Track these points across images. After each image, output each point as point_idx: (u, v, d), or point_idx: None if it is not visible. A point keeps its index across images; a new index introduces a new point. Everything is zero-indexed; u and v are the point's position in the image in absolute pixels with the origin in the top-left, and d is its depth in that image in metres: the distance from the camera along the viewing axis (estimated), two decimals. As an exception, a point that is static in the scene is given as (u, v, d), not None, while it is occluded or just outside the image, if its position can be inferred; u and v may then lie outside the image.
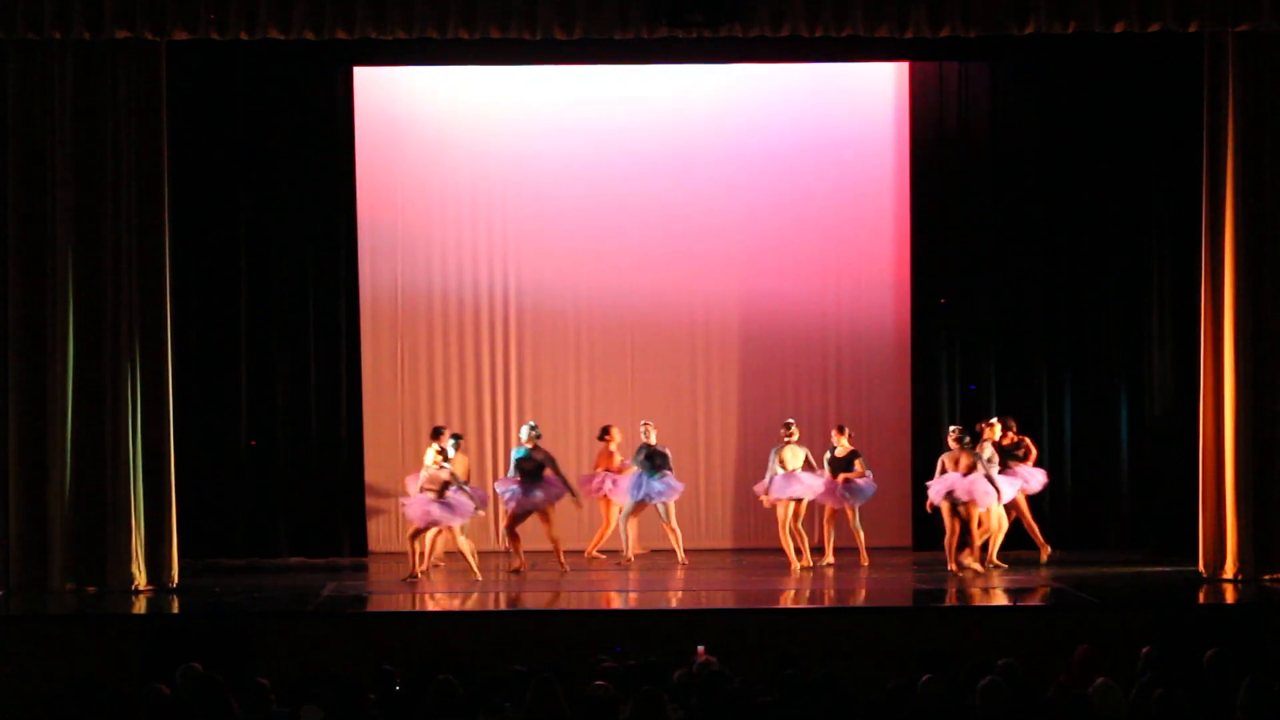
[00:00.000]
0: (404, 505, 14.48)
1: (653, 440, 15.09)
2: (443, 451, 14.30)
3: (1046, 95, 16.00)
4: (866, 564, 14.89)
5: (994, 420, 14.86)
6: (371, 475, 16.15)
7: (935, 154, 16.18)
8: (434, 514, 14.08)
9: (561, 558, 14.67)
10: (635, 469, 15.10)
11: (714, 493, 16.31)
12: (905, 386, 16.31)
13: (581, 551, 15.37)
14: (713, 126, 16.40)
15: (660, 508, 15.07)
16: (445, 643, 11.46)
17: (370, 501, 16.19)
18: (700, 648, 9.89)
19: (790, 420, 15.07)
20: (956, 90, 16.16)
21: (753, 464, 16.35)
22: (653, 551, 15.61)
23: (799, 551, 14.81)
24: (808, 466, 14.86)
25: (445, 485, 14.09)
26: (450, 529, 14.30)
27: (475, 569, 14.38)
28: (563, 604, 13.66)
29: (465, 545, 14.42)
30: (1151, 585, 14.19)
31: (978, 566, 14.29)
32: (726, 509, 16.42)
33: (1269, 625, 12.00)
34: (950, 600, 13.46)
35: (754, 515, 16.35)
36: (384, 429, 16.28)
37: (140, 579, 13.67)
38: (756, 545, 16.15)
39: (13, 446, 13.67)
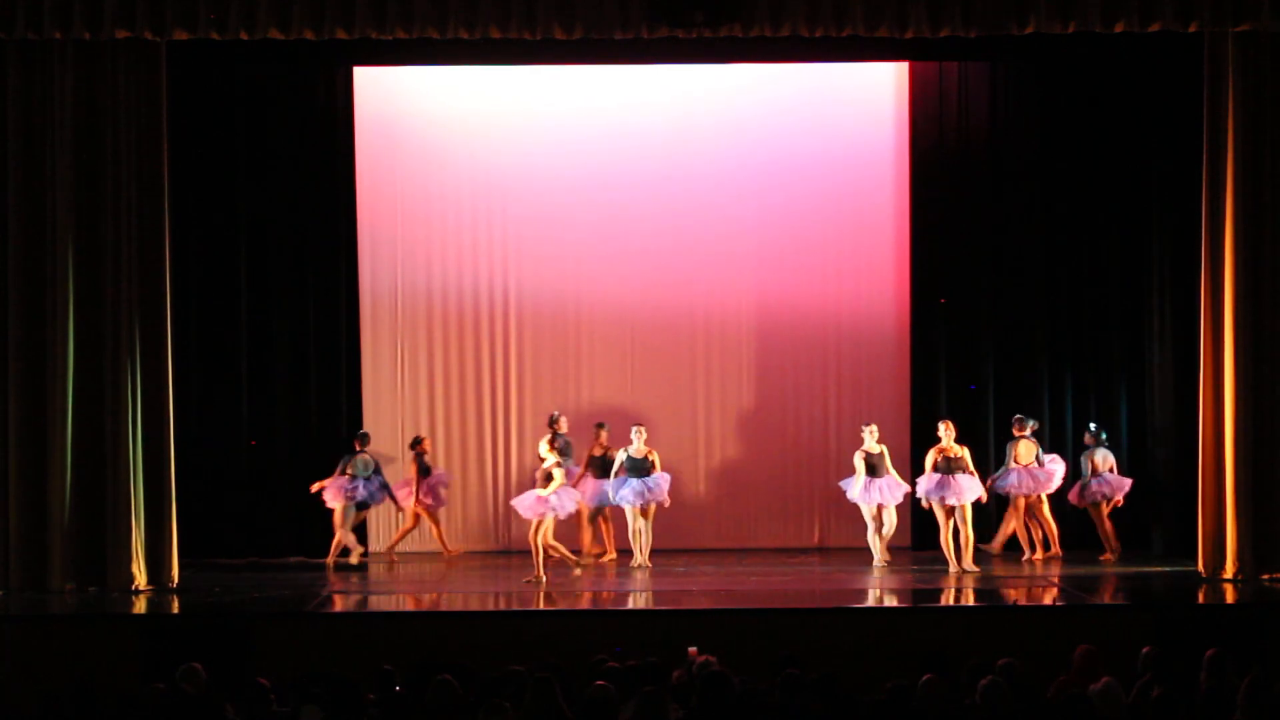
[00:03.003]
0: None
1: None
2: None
3: (1046, 95, 16.00)
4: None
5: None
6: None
7: (935, 154, 16.19)
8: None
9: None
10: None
11: (712, 492, 16.29)
12: (905, 386, 16.31)
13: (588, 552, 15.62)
14: (713, 127, 16.39)
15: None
16: (445, 643, 11.46)
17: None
18: (692, 648, 9.86)
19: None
20: (956, 90, 16.17)
21: (752, 463, 16.38)
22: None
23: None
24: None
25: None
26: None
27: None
28: (563, 604, 13.65)
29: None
30: (1151, 585, 14.21)
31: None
32: (726, 509, 16.40)
33: (1269, 625, 12.00)
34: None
35: (754, 515, 16.37)
36: (384, 429, 16.26)
37: (140, 579, 13.67)
38: (757, 545, 16.15)
39: (13, 446, 13.68)
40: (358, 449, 15.43)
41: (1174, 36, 13.75)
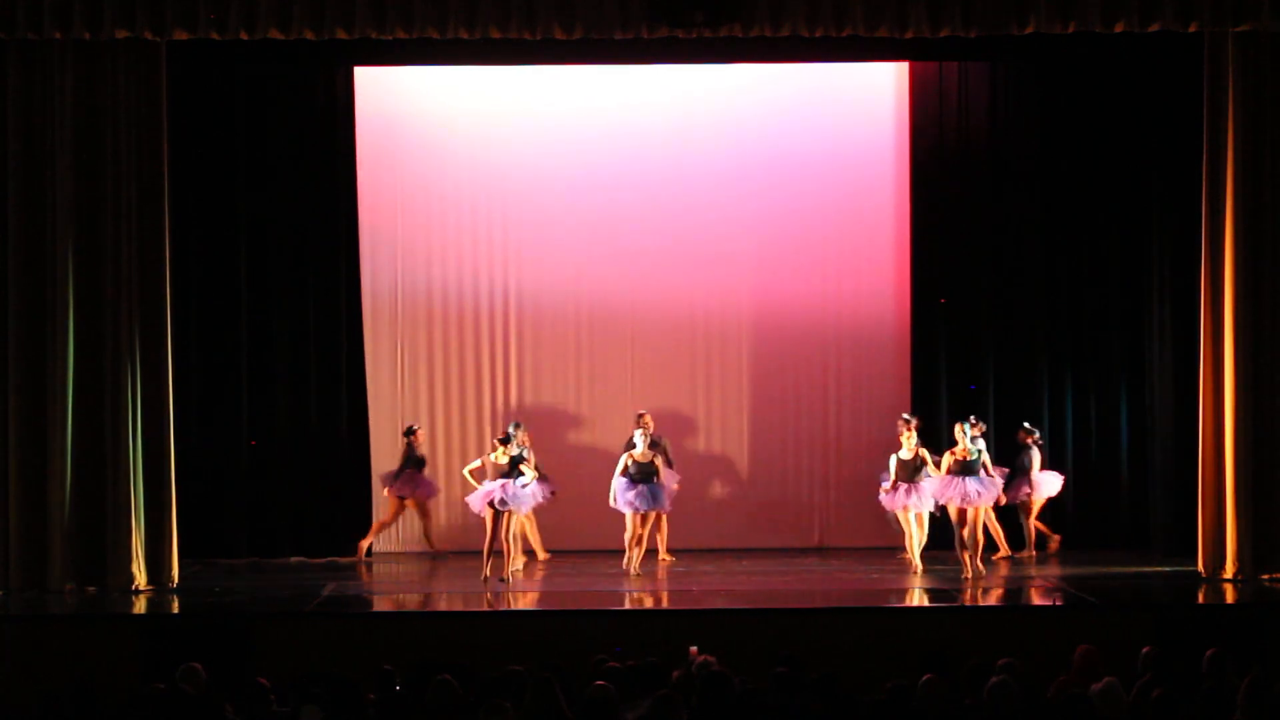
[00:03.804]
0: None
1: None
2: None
3: (1046, 95, 16.01)
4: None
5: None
6: (374, 474, 16.14)
7: (935, 154, 16.19)
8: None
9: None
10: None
11: (713, 492, 16.29)
12: (905, 386, 16.30)
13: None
14: (713, 127, 16.39)
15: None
16: (445, 643, 11.46)
17: (373, 501, 16.18)
18: (693, 648, 9.87)
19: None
20: (956, 90, 16.17)
21: (752, 463, 16.38)
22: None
23: None
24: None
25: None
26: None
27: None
28: (563, 604, 13.66)
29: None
30: (1151, 585, 14.22)
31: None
32: (726, 508, 16.40)
33: (1269, 625, 12.00)
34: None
35: (754, 515, 16.35)
36: (384, 428, 16.26)
37: (140, 579, 13.68)
38: (757, 545, 16.14)
39: (13, 446, 13.68)
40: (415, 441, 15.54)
41: (1174, 36, 13.76)
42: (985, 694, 8.06)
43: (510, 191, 16.37)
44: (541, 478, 14.68)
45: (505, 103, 16.36)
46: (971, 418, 14.87)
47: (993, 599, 13.55)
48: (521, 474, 14.23)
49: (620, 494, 14.55)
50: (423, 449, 15.78)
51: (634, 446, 14.58)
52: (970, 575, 14.04)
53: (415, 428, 15.80)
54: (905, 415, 14.77)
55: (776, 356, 16.48)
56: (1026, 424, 15.36)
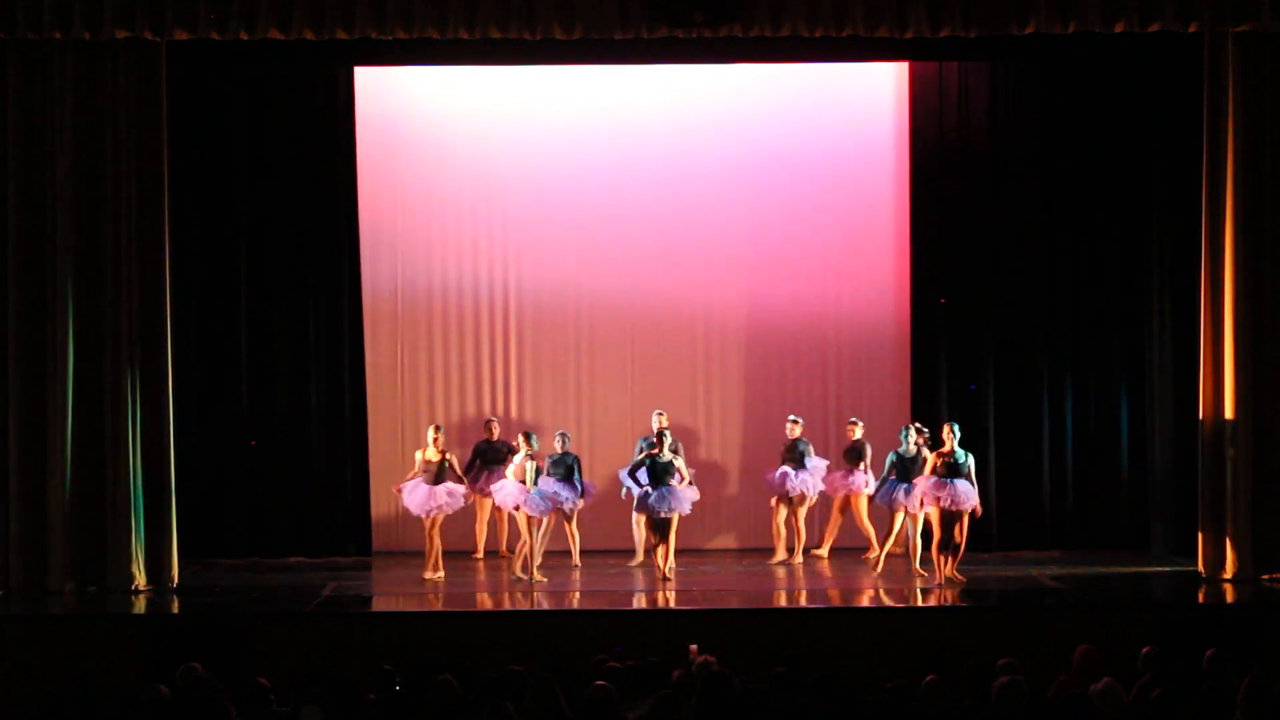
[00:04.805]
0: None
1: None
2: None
3: (1046, 95, 16.00)
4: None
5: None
6: (373, 474, 16.14)
7: (935, 154, 16.17)
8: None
9: None
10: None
11: (714, 493, 16.27)
12: (905, 386, 16.30)
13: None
14: (713, 127, 16.38)
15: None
16: (445, 643, 11.47)
17: (372, 501, 16.18)
18: (693, 646, 9.87)
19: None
20: (956, 90, 16.15)
21: (753, 464, 16.36)
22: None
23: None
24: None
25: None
26: None
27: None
28: (563, 604, 13.66)
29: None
30: (1151, 585, 14.21)
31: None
32: (726, 509, 16.40)
33: (1269, 625, 12.01)
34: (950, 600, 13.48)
35: (753, 515, 16.34)
36: (385, 429, 16.27)
37: (140, 579, 13.68)
38: (756, 545, 16.13)
39: (13, 446, 13.68)
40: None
41: (1174, 36, 13.77)
42: (994, 694, 8.05)
43: (510, 191, 16.37)
44: (574, 483, 14.73)
45: (505, 103, 16.36)
46: (916, 424, 14.66)
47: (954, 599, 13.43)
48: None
49: (639, 501, 14.43)
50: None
51: (653, 445, 14.53)
52: (942, 579, 13.82)
53: (491, 420, 15.65)
54: (918, 425, 14.75)
55: (776, 356, 16.48)
56: (917, 424, 14.82)
